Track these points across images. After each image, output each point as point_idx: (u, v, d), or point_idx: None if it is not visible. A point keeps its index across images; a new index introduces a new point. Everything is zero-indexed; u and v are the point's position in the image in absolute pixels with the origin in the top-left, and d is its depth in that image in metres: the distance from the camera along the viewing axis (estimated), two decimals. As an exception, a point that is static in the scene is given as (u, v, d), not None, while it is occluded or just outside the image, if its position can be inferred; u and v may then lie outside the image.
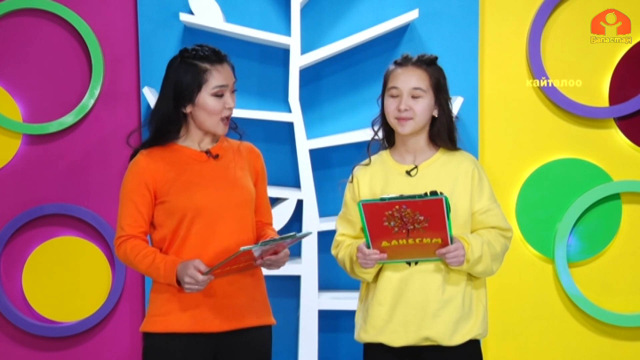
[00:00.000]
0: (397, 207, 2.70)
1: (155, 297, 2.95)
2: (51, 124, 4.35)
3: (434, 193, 2.71)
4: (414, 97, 2.90)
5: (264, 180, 3.10)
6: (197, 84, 2.91)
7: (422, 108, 2.90)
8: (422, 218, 2.71)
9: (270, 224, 3.12)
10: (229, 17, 4.24)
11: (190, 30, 4.24)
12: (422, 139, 2.96)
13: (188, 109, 2.94)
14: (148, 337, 2.95)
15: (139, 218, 2.92)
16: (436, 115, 2.93)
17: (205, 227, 2.90)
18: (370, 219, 2.74)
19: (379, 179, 2.95)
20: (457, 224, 2.88)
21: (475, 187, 2.92)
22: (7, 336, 4.42)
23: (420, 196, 2.68)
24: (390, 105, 2.93)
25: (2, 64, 4.37)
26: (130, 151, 3.05)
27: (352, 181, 3.02)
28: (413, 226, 2.73)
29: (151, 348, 2.94)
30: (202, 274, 2.79)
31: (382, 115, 2.99)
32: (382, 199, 2.70)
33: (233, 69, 3.00)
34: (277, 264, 2.92)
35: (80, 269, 4.39)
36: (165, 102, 2.94)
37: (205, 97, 2.92)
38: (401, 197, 2.70)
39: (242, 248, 2.73)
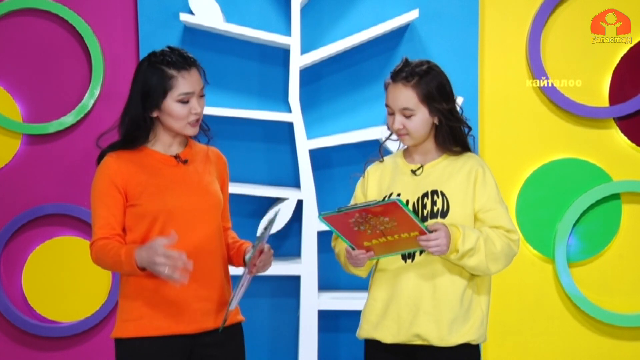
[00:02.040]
0: (357, 214, 2.71)
1: (125, 302, 2.93)
2: (51, 124, 4.35)
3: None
4: (405, 115, 2.91)
5: (227, 187, 3.11)
6: (163, 90, 2.87)
7: (415, 125, 2.91)
8: (387, 219, 2.72)
9: (230, 228, 3.12)
10: (229, 17, 4.24)
11: (190, 30, 4.24)
12: (430, 142, 2.97)
13: (155, 114, 2.92)
14: (120, 343, 2.93)
15: (112, 221, 2.88)
16: (436, 123, 2.94)
17: (177, 231, 2.86)
18: (339, 228, 2.77)
19: (387, 176, 2.99)
20: (456, 223, 2.88)
21: (478, 187, 2.91)
22: (7, 336, 4.42)
23: (375, 202, 2.70)
24: (388, 121, 2.96)
25: (2, 64, 4.37)
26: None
27: (364, 176, 3.06)
28: (384, 227, 2.74)
29: (125, 354, 2.92)
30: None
31: None
32: (339, 210, 2.72)
33: (203, 73, 2.96)
34: (268, 262, 2.94)
35: (80, 269, 4.39)
36: (133, 106, 2.91)
37: (170, 104, 2.89)
38: (355, 205, 2.72)
39: (246, 276, 2.81)
